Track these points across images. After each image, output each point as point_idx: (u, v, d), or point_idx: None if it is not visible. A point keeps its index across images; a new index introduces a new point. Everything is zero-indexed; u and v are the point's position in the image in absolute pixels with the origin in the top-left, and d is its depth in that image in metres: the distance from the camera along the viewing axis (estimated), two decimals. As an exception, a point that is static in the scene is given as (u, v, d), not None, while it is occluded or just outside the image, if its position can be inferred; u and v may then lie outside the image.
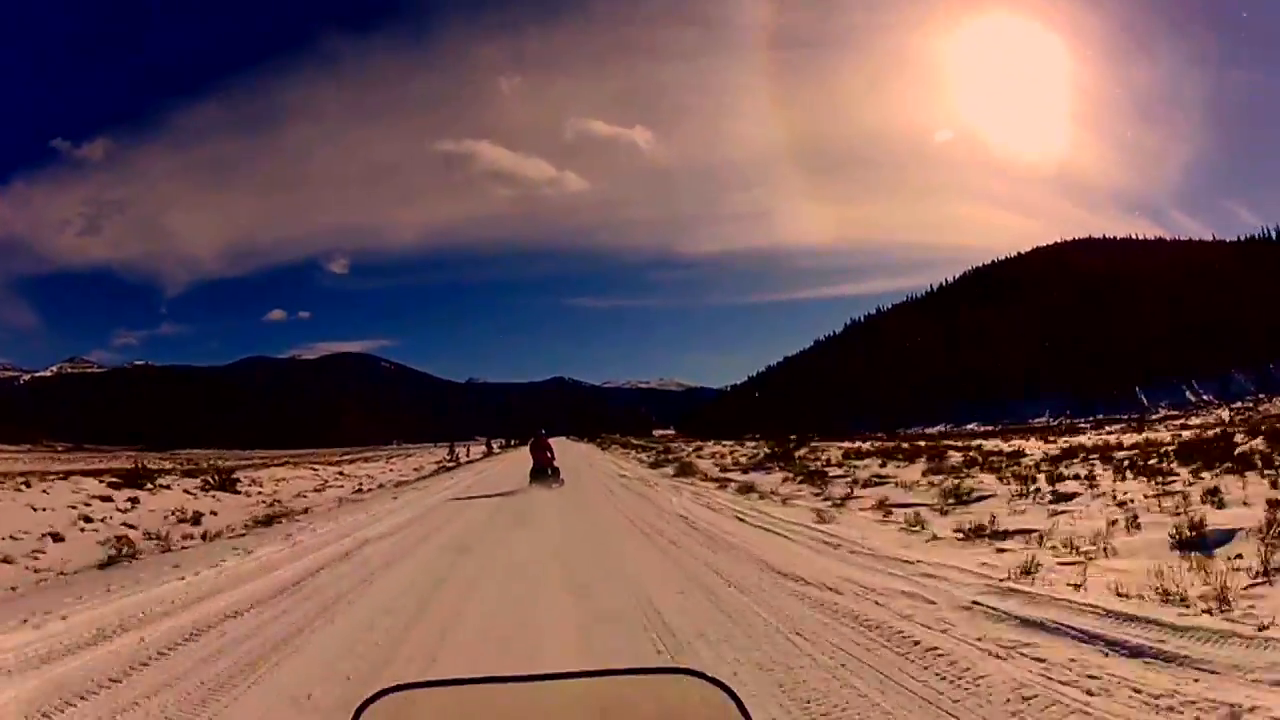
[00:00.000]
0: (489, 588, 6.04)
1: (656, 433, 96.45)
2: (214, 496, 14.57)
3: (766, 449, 22.39)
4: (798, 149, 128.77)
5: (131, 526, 10.12)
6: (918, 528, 7.76)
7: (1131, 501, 8.16)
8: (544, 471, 16.19)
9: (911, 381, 71.04)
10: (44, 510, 11.34)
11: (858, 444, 24.72)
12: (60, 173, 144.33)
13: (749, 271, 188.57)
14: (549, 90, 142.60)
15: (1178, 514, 6.84)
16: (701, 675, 1.15)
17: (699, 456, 25.30)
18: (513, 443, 65.48)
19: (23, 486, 13.85)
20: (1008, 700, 3.15)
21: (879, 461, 16.54)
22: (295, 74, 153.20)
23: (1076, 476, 10.83)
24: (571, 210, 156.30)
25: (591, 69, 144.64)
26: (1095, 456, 13.99)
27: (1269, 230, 74.86)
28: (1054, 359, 68.42)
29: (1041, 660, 3.55)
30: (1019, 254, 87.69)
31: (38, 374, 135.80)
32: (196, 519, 11.31)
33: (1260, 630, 3.59)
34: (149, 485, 14.61)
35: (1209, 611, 3.98)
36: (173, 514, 11.83)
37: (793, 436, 23.66)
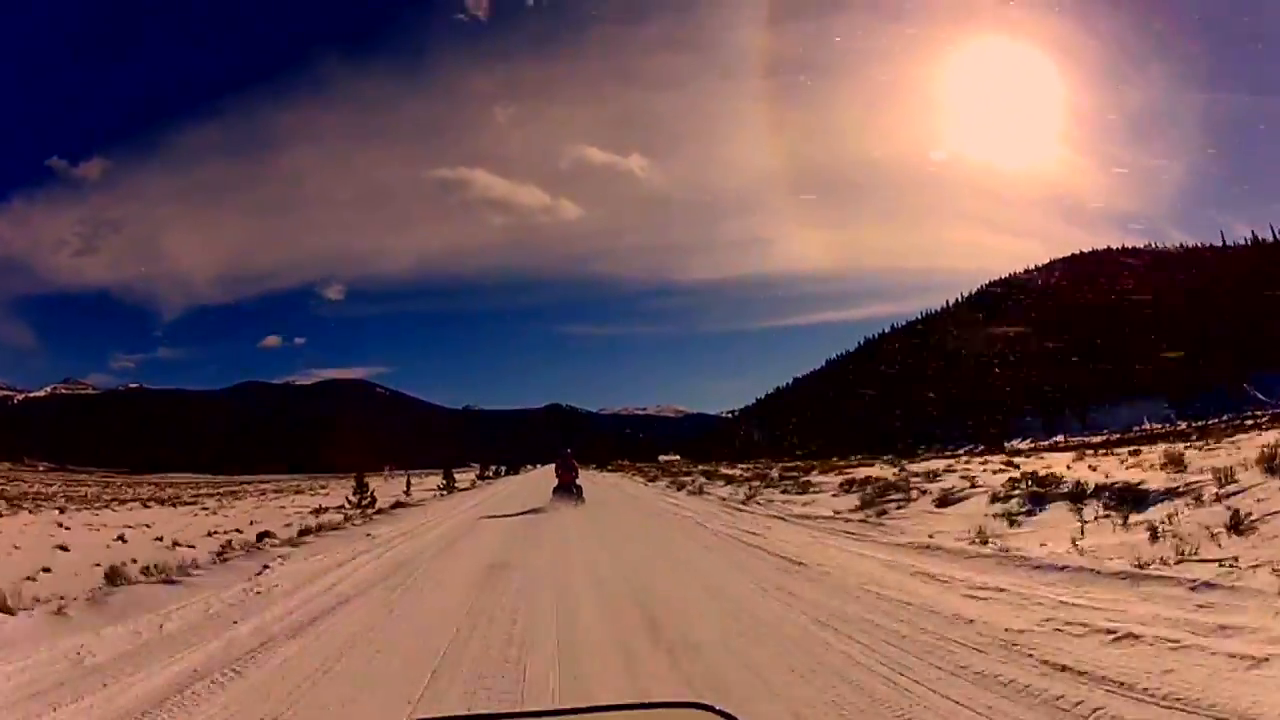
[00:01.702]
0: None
1: (661, 458, 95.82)
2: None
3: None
4: (794, 175, 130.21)
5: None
6: None
7: None
8: (568, 489, 17.63)
9: (960, 396, 67.96)
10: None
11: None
12: (57, 192, 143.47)
13: (745, 298, 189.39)
14: (543, 117, 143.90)
15: None
16: (713, 709, 1.17)
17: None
18: (491, 471, 56.32)
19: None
20: None
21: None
22: (291, 99, 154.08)
23: None
24: (567, 238, 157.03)
25: (586, 96, 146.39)
26: None
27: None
28: (1127, 363, 63.60)
29: None
30: (1037, 266, 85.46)
31: (32, 394, 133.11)
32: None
33: None
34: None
35: None
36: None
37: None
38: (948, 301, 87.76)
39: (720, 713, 1.13)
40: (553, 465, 21.13)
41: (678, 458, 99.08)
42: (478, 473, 51.65)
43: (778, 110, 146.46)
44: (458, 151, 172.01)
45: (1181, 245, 79.65)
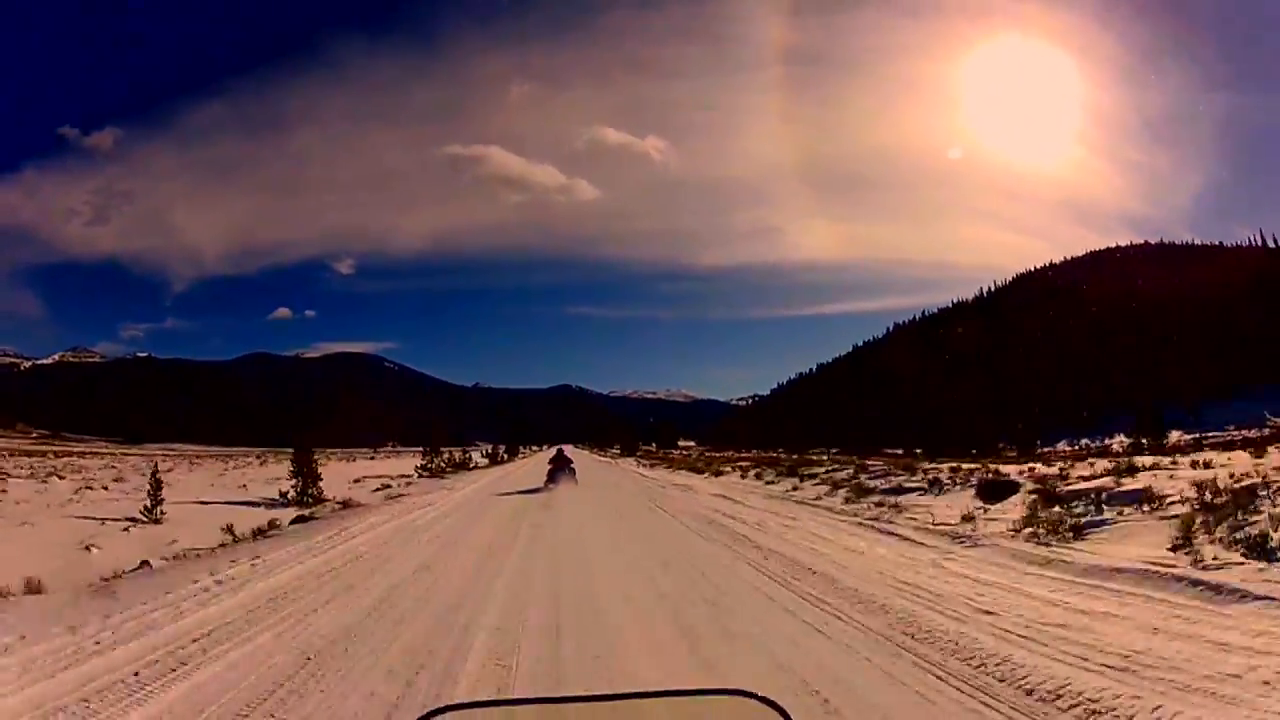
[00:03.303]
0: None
1: (680, 443, 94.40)
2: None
3: None
4: (807, 166, 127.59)
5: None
6: None
7: None
8: (560, 473, 20.24)
9: (1017, 389, 64.35)
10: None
11: None
12: (69, 162, 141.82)
13: (757, 286, 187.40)
14: (560, 97, 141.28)
15: None
16: (755, 696, 1.14)
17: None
18: (458, 453, 46.13)
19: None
20: None
21: None
22: (304, 76, 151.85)
23: None
24: (581, 219, 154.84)
25: (603, 77, 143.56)
26: None
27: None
28: (1216, 358, 59.14)
29: None
30: (1070, 258, 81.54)
31: (39, 362, 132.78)
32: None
33: None
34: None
35: None
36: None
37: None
38: (982, 290, 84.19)
39: (763, 699, 1.10)
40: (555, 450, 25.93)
41: (693, 444, 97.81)
42: (424, 460, 35.98)
43: (793, 102, 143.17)
44: (472, 129, 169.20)
45: (1220, 242, 76.53)
